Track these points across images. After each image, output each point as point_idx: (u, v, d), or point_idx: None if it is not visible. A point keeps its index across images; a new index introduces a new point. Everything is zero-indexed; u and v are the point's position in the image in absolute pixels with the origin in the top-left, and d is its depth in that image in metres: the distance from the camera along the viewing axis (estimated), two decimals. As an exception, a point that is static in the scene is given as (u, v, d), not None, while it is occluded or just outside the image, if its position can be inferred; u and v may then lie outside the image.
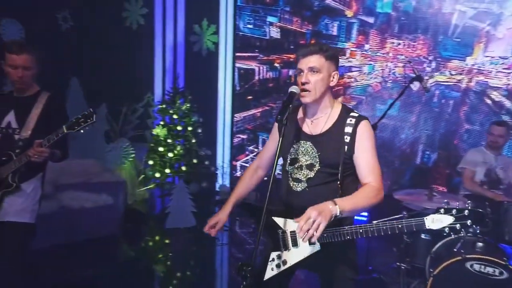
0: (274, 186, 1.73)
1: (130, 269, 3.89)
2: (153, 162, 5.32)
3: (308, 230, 1.64)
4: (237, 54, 5.82)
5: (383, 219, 1.74)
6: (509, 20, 4.55)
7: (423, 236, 3.30)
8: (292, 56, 5.48)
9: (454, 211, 1.62)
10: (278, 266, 1.87)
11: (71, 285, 3.44)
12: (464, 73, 4.78)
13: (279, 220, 1.91)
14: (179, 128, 5.38)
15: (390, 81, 5.11)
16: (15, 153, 2.45)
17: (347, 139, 1.86)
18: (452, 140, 4.90)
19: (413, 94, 4.93)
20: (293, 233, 1.86)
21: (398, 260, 3.31)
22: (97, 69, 5.57)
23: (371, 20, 5.12)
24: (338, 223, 1.79)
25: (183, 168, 5.36)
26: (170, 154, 5.31)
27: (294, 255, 1.85)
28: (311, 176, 1.90)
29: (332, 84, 1.93)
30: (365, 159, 1.85)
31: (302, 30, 5.44)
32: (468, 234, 2.94)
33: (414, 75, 3.52)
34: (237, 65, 5.84)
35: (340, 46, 5.28)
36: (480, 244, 2.84)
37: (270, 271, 1.89)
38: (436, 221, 1.63)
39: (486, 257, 2.71)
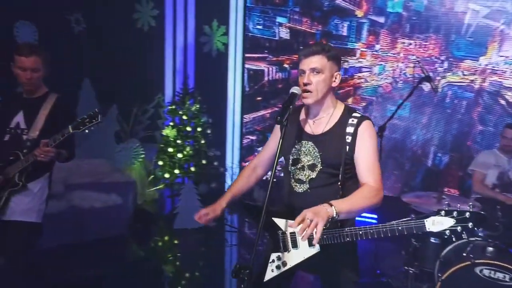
0: (274, 187, 1.72)
1: (138, 269, 3.91)
2: (163, 163, 5.35)
3: (306, 230, 1.61)
4: (247, 55, 5.81)
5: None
6: (524, 18, 4.45)
7: (432, 240, 3.24)
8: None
9: (455, 213, 1.59)
10: (278, 267, 1.86)
11: (78, 285, 3.48)
12: (478, 73, 4.68)
13: (279, 221, 1.89)
14: (188, 129, 5.40)
15: (401, 82, 5.03)
16: (23, 153, 2.49)
17: (349, 139, 1.84)
18: (465, 142, 4.80)
19: (425, 95, 4.85)
20: (293, 234, 1.85)
21: (407, 264, 3.26)
22: (108, 70, 5.63)
23: (381, 20, 5.06)
24: (338, 225, 1.77)
25: (192, 168, 5.38)
26: (180, 155, 5.33)
27: (294, 257, 1.83)
28: (313, 177, 1.88)
29: (334, 84, 1.91)
30: (364, 158, 1.83)
31: (312, 31, 5.41)
32: (478, 239, 2.88)
33: (426, 75, 3.46)
34: (247, 66, 5.83)
35: (350, 47, 5.23)
36: (490, 248, 2.78)
37: (270, 273, 1.88)
38: (437, 224, 1.60)
39: (496, 262, 2.64)
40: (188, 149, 5.36)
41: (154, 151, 5.57)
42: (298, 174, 1.92)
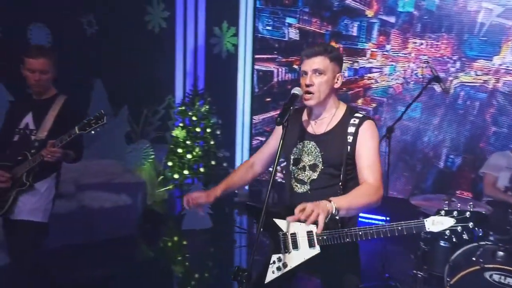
0: (273, 188, 1.72)
1: (146, 270, 3.93)
2: (172, 164, 5.38)
3: (308, 218, 1.59)
4: (256, 56, 5.81)
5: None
6: (539, 17, 4.34)
7: (442, 243, 3.18)
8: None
9: (455, 213, 1.57)
10: (278, 269, 1.85)
11: (86, 285, 3.51)
12: (491, 73, 4.57)
13: (280, 222, 1.88)
14: (198, 129, 5.41)
15: (412, 82, 4.96)
16: (31, 153, 2.53)
17: (350, 139, 1.83)
18: (478, 144, 4.70)
19: (436, 96, 4.76)
20: (293, 235, 1.84)
21: (415, 268, 3.20)
22: (120, 71, 5.70)
23: (392, 19, 4.99)
24: (339, 226, 1.76)
25: (202, 169, 5.39)
26: (189, 156, 5.35)
27: (295, 258, 1.82)
28: (314, 177, 1.88)
29: (336, 86, 1.90)
30: (365, 157, 1.81)
31: (321, 31, 5.37)
32: (488, 243, 2.81)
33: (435, 75, 3.40)
34: (256, 67, 5.83)
35: (360, 47, 5.18)
36: (500, 253, 2.71)
37: (271, 274, 1.87)
38: (437, 223, 1.57)
39: (507, 267, 2.58)
40: (197, 150, 5.38)
41: (164, 152, 5.61)
42: (299, 174, 1.91)
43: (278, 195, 2.32)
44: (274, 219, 1.89)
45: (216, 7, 5.95)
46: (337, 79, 1.89)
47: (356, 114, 1.88)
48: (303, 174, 1.90)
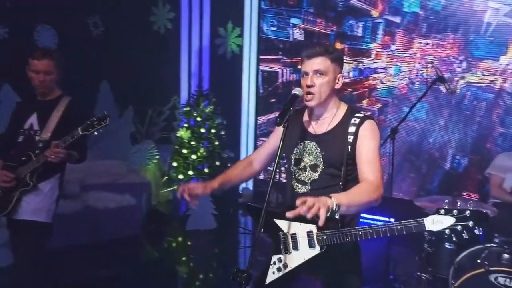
0: (277, 188, 1.71)
1: (149, 270, 3.94)
2: (177, 164, 5.39)
3: (309, 210, 1.56)
4: (261, 56, 5.80)
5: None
6: (547, 16, 4.28)
7: (447, 245, 3.16)
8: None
9: (455, 212, 1.54)
10: (279, 269, 1.85)
11: (90, 285, 3.52)
12: (498, 73, 4.52)
13: (280, 222, 1.88)
14: (202, 130, 5.41)
15: (418, 83, 4.92)
16: (35, 153, 2.55)
17: (350, 138, 1.82)
18: (485, 144, 4.65)
19: (442, 96, 4.72)
20: (293, 235, 1.83)
21: (420, 270, 3.18)
22: (126, 72, 5.72)
23: (397, 19, 4.96)
24: (339, 226, 1.75)
25: (206, 170, 5.39)
26: (194, 156, 5.36)
27: (295, 259, 1.82)
28: (315, 178, 1.87)
29: (337, 86, 1.90)
30: (365, 156, 1.80)
31: (326, 32, 5.35)
32: (493, 245, 2.78)
33: (440, 76, 3.37)
34: (261, 67, 5.82)
35: (365, 47, 5.15)
36: (506, 255, 2.68)
37: (272, 275, 1.87)
38: (437, 223, 1.55)
39: (512, 270, 2.55)
40: (202, 150, 5.38)
41: (169, 153, 5.62)
42: (300, 174, 1.91)
43: (283, 195, 2.31)
44: (274, 219, 1.89)
45: (221, 8, 5.96)
46: (338, 80, 1.89)
47: (357, 114, 1.87)
48: (303, 175, 1.90)
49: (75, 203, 4.18)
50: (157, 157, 5.45)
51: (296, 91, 1.87)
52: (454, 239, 1.53)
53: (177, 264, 4.22)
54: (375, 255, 3.93)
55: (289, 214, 1.64)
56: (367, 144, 1.81)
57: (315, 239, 1.76)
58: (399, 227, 1.60)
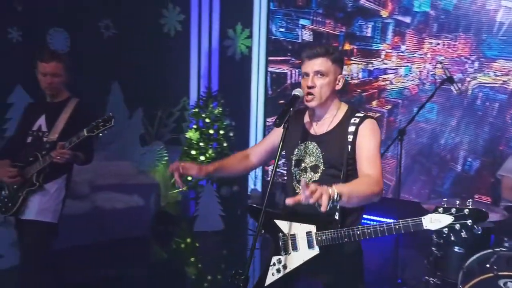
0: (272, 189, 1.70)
1: (156, 271, 3.96)
2: (186, 165, 5.41)
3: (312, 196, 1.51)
4: (270, 58, 5.79)
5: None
6: (562, 15, 4.17)
7: (456, 249, 3.09)
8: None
9: (453, 210, 1.52)
10: (278, 271, 1.84)
11: (95, 285, 3.54)
12: (511, 74, 4.43)
13: (281, 223, 1.87)
14: (211, 131, 5.44)
15: (428, 83, 4.84)
16: (42, 154, 2.58)
17: (350, 138, 1.80)
18: (498, 146, 4.55)
19: (453, 97, 4.63)
20: (293, 236, 1.82)
21: (428, 274, 3.12)
22: (136, 74, 5.78)
23: (407, 20, 4.89)
24: (338, 226, 1.73)
25: (214, 171, 5.39)
26: (202, 157, 5.38)
27: (294, 260, 1.81)
28: (316, 179, 1.85)
29: (337, 87, 1.88)
30: (365, 154, 1.77)
31: (335, 32, 5.31)
32: (503, 249, 2.71)
33: (448, 76, 3.31)
34: (270, 69, 5.81)
35: (375, 48, 5.09)
36: (516, 260, 2.60)
37: (271, 276, 1.86)
38: (435, 221, 1.53)
39: (522, 275, 2.47)
40: (210, 151, 5.40)
41: (178, 154, 5.65)
42: (301, 176, 1.89)
43: (284, 197, 2.28)
44: (275, 220, 1.88)
45: (230, 10, 5.98)
46: (339, 81, 1.87)
47: (357, 114, 1.85)
48: (304, 176, 1.88)
49: (84, 204, 4.22)
50: (166, 158, 5.48)
51: (297, 91, 1.86)
52: (452, 238, 1.49)
53: (184, 265, 4.22)
54: (382, 259, 3.88)
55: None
56: (367, 142, 1.78)
57: (314, 240, 1.75)
58: (397, 226, 1.58)
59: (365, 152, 1.77)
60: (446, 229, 1.51)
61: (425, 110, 4.78)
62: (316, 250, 1.75)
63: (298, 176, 1.91)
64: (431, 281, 3.06)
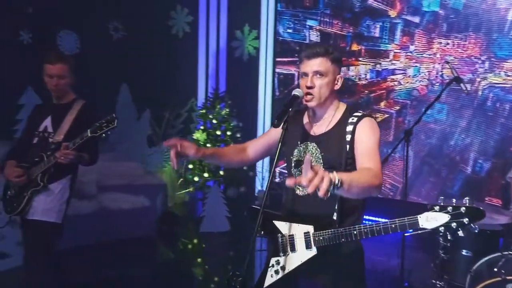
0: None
1: (159, 271, 3.96)
2: (193, 166, 5.43)
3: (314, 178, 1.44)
4: (277, 59, 5.78)
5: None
6: None
7: (464, 252, 3.05)
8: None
9: (449, 209, 1.48)
10: (277, 272, 1.82)
11: (99, 285, 3.55)
12: (523, 74, 4.34)
13: (280, 224, 1.86)
14: (218, 132, 5.44)
15: (438, 84, 4.77)
16: (47, 155, 2.60)
17: (348, 137, 1.77)
18: (509, 147, 4.45)
19: (463, 97, 4.56)
20: (291, 237, 1.80)
21: (435, 277, 3.06)
22: (145, 75, 5.82)
23: (416, 19, 4.83)
24: (336, 226, 1.72)
25: (221, 172, 5.41)
26: (209, 159, 5.38)
27: (293, 261, 1.79)
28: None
29: (336, 87, 1.86)
30: (364, 149, 1.74)
31: (343, 33, 5.28)
32: (511, 253, 2.65)
33: (456, 76, 3.25)
34: (277, 70, 5.80)
35: (383, 48, 5.04)
36: (525, 264, 2.54)
37: (270, 278, 1.84)
38: (431, 220, 1.50)
39: (531, 280, 2.42)
40: (217, 152, 5.39)
41: (185, 155, 5.66)
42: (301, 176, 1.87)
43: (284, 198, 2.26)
44: (274, 221, 1.86)
45: (238, 11, 5.98)
46: (337, 81, 1.85)
47: (355, 113, 1.83)
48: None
49: (90, 204, 4.26)
50: (173, 159, 5.49)
51: (296, 91, 1.84)
52: (449, 237, 1.47)
53: (191, 266, 4.22)
54: (389, 262, 3.83)
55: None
56: (365, 138, 1.75)
57: (312, 240, 1.73)
58: (393, 226, 1.56)
59: (364, 148, 1.75)
60: (442, 228, 1.49)
61: (434, 111, 4.74)
62: (313, 251, 1.73)
63: (298, 177, 1.89)
64: (438, 285, 3.00)
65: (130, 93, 5.96)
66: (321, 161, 1.82)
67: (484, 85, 4.52)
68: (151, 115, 5.64)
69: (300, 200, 1.87)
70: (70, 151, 2.51)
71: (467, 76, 4.50)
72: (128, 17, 6.04)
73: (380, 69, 5.08)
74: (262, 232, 1.91)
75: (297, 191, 1.89)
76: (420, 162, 4.84)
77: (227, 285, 1.61)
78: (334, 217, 1.72)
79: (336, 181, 1.47)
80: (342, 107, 1.89)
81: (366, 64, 5.13)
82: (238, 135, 5.60)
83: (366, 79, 5.15)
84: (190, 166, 5.47)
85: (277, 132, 1.80)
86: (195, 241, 4.77)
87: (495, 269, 2.59)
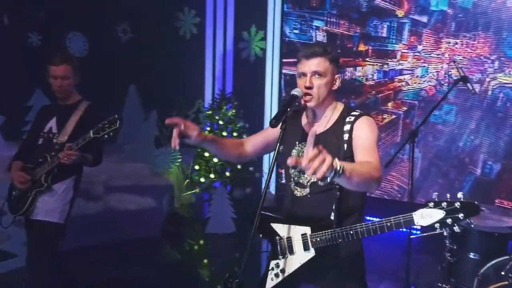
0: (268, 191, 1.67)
1: (163, 272, 3.97)
2: (199, 167, 5.44)
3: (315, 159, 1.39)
4: (284, 60, 5.76)
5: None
6: None
7: (471, 255, 2.98)
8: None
9: (444, 204, 1.47)
10: (277, 275, 1.81)
11: (102, 285, 3.57)
12: (534, 73, 4.26)
13: (278, 226, 1.85)
14: (224, 133, 5.43)
15: (446, 84, 4.70)
16: (50, 155, 2.62)
17: (346, 136, 1.76)
18: (519, 149, 4.37)
19: (473, 98, 4.48)
20: (289, 239, 1.79)
21: (442, 280, 3.01)
22: (153, 76, 5.86)
23: (424, 19, 4.77)
24: (334, 226, 1.70)
25: (228, 173, 5.40)
26: (215, 160, 5.38)
27: (292, 263, 1.78)
28: (314, 180, 1.80)
29: (335, 87, 1.84)
30: (362, 145, 1.72)
31: (350, 33, 5.23)
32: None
33: (462, 75, 3.20)
34: (284, 71, 5.78)
35: (391, 48, 4.99)
36: (533, 268, 2.48)
37: (270, 281, 1.83)
38: (426, 217, 1.49)
39: (539, 284, 2.36)
40: (224, 154, 5.39)
41: (192, 156, 5.67)
42: (299, 177, 1.86)
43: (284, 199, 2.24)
44: (271, 223, 1.85)
45: (245, 12, 5.98)
46: (336, 81, 1.83)
47: (353, 113, 1.81)
48: (303, 177, 1.85)
49: (97, 204, 4.29)
50: (180, 160, 5.51)
51: (296, 91, 1.83)
52: (445, 233, 1.45)
53: (197, 267, 4.22)
54: (395, 265, 3.78)
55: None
56: (364, 135, 1.73)
57: (309, 242, 1.72)
58: (389, 224, 1.57)
59: (362, 144, 1.73)
60: (438, 224, 1.48)
61: (442, 112, 4.68)
62: (312, 253, 1.72)
63: (296, 178, 1.87)
64: (444, 288, 2.96)
65: (138, 95, 6.01)
66: None
67: (493, 85, 4.44)
68: (158, 116, 5.66)
69: (298, 201, 1.85)
70: (73, 152, 2.53)
71: (476, 76, 4.43)
72: (136, 19, 6.09)
73: (387, 70, 5.02)
74: (261, 235, 1.90)
75: (296, 192, 1.88)
76: (429, 163, 4.78)
77: (224, 287, 1.60)
78: (332, 218, 1.71)
79: (338, 167, 1.43)
80: (340, 107, 1.87)
81: (373, 65, 5.08)
82: (245, 136, 5.59)
83: (373, 80, 5.10)
84: (196, 167, 5.48)
85: (275, 130, 1.78)
86: (201, 242, 4.77)
87: (503, 273, 2.54)
